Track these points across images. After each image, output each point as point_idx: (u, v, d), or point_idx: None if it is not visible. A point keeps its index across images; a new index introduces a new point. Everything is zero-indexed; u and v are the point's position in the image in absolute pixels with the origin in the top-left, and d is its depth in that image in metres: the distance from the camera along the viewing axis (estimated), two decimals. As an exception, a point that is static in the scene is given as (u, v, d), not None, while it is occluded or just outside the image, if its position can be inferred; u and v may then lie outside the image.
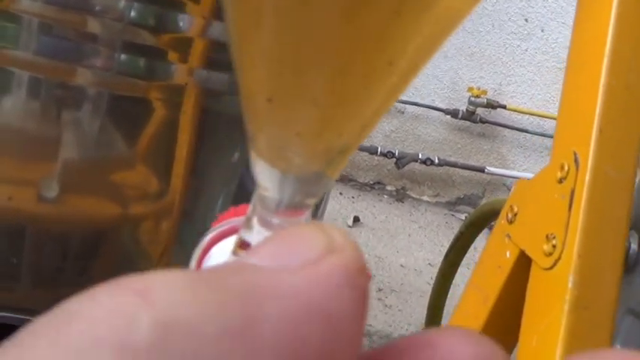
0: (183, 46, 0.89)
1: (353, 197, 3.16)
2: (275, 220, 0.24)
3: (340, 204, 3.02)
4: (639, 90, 0.54)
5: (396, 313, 2.22)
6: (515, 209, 0.59)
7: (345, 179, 3.27)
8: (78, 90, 0.86)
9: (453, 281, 1.55)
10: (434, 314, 1.59)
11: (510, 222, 0.59)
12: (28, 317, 0.89)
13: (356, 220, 2.89)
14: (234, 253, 0.26)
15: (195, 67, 0.91)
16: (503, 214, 0.61)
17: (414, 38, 0.19)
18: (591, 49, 0.55)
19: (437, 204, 3.40)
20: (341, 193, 3.14)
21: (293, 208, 0.24)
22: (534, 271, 0.54)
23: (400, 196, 3.35)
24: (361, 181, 3.34)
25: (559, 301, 0.50)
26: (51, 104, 0.85)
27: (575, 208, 0.51)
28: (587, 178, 0.52)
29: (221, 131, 0.98)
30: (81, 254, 0.92)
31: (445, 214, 3.30)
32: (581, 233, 0.50)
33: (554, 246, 0.52)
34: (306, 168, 0.23)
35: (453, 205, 3.43)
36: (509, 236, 0.59)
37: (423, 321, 1.62)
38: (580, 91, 0.55)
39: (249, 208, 0.26)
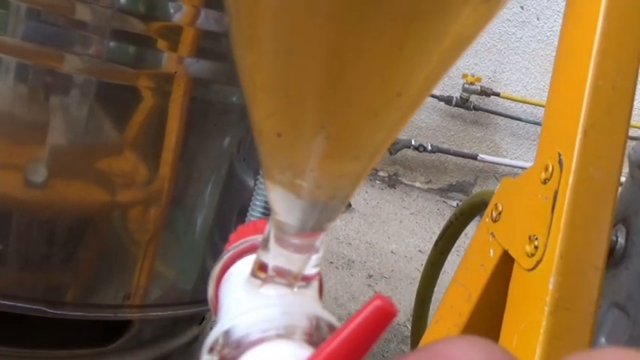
0: (173, 34, 0.89)
1: (345, 182, 3.16)
2: (293, 241, 0.24)
3: (332, 189, 3.01)
4: (626, 91, 0.54)
5: (386, 299, 2.22)
6: (500, 208, 0.59)
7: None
8: (66, 77, 0.85)
9: (442, 269, 1.56)
10: (422, 302, 1.60)
11: (495, 220, 0.60)
12: (14, 303, 0.89)
13: (348, 205, 2.89)
14: (253, 274, 0.26)
15: (185, 56, 0.90)
16: (488, 211, 0.61)
17: (420, 70, 0.19)
18: (579, 50, 0.55)
19: (429, 190, 3.40)
20: (333, 178, 3.13)
21: (309, 231, 0.24)
22: (516, 272, 0.54)
23: (392, 182, 3.36)
24: (354, 166, 3.33)
25: (540, 302, 0.50)
26: (39, 90, 0.85)
27: (558, 209, 0.51)
28: (571, 179, 0.52)
29: (210, 119, 0.98)
30: (68, 240, 0.91)
31: (437, 201, 3.30)
32: (563, 235, 0.50)
33: (536, 247, 0.52)
34: (320, 194, 0.23)
35: (444, 191, 3.44)
36: (493, 235, 0.59)
37: (412, 308, 1.62)
38: (566, 92, 0.55)
39: (266, 228, 0.25)
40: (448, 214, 2.88)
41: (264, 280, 0.26)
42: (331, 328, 0.24)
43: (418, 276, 1.61)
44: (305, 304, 0.25)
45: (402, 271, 2.44)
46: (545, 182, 0.53)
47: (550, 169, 0.53)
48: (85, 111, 0.87)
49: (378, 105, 0.19)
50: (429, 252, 1.55)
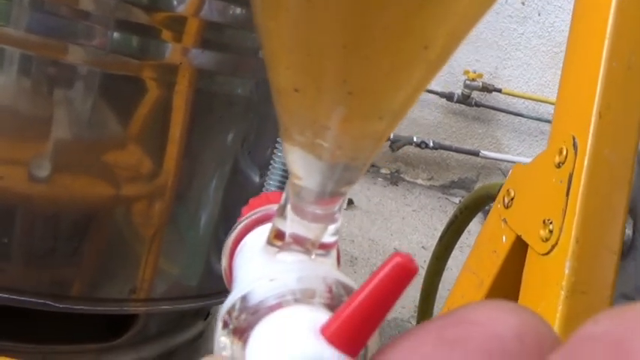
0: (178, 25, 0.88)
1: (347, 180, 3.15)
2: (310, 209, 0.24)
3: (334, 186, 3.01)
4: (640, 72, 0.53)
5: (389, 295, 2.22)
6: (512, 194, 0.59)
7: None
8: (70, 68, 0.84)
9: (447, 264, 1.55)
10: (426, 297, 1.59)
11: (507, 206, 0.59)
12: (19, 297, 0.89)
13: (350, 202, 2.88)
14: (270, 242, 0.26)
15: (190, 47, 0.89)
16: (499, 198, 0.61)
17: (448, 19, 0.18)
18: (592, 31, 0.54)
19: (431, 187, 3.40)
20: (335, 176, 3.13)
21: (328, 196, 0.23)
22: (530, 257, 0.53)
23: (394, 179, 3.35)
24: (355, 163, 3.32)
25: (555, 287, 0.49)
26: (42, 82, 0.84)
27: (573, 192, 0.50)
28: (586, 162, 0.51)
29: (215, 112, 0.97)
30: (73, 234, 0.91)
31: (439, 198, 3.29)
32: (578, 218, 0.50)
33: (550, 231, 0.51)
34: (341, 155, 0.22)
35: (447, 188, 3.43)
36: (505, 221, 0.58)
37: (417, 304, 1.62)
38: (580, 74, 0.54)
39: (283, 196, 0.25)
40: (450, 210, 2.87)
41: (281, 248, 0.25)
42: (350, 292, 0.24)
43: (422, 272, 1.60)
44: (323, 269, 0.24)
45: (405, 267, 2.43)
46: (559, 166, 0.53)
47: (564, 152, 0.52)
48: (89, 103, 0.86)
49: (403, 59, 0.19)
50: (431, 248, 1.54)
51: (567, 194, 0.51)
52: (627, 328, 0.15)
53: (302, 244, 0.25)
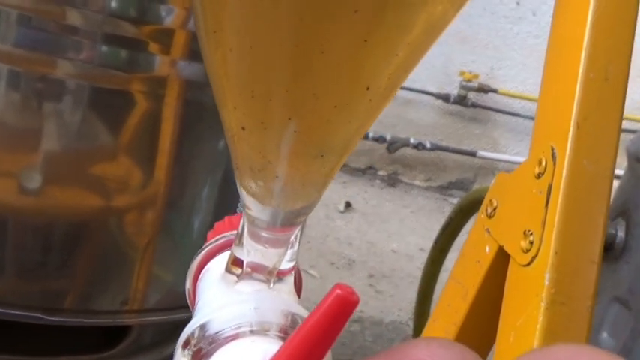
0: (165, 37, 0.88)
1: (344, 182, 3.16)
2: (266, 236, 0.24)
3: (331, 189, 3.01)
4: (618, 82, 0.54)
5: (388, 298, 2.22)
6: (495, 204, 0.59)
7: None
8: (58, 82, 0.85)
9: (443, 267, 1.56)
10: (423, 300, 1.59)
11: (490, 216, 0.59)
12: (11, 310, 0.89)
13: (348, 205, 2.89)
14: (228, 270, 0.26)
15: (178, 59, 0.90)
16: (483, 207, 0.61)
17: (388, 62, 0.19)
18: (569, 42, 0.54)
19: (429, 189, 3.40)
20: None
21: (280, 227, 0.24)
22: (512, 268, 0.54)
23: (392, 181, 3.35)
24: (353, 166, 3.33)
25: (536, 298, 0.49)
26: (31, 96, 0.85)
27: (552, 204, 0.51)
28: (565, 173, 0.51)
29: (205, 122, 0.98)
30: (64, 246, 0.91)
31: (437, 199, 3.30)
32: (557, 229, 0.50)
33: (531, 242, 0.51)
34: (289, 198, 0.22)
35: (444, 189, 3.44)
36: (488, 231, 0.59)
37: (414, 306, 1.62)
38: (558, 85, 0.55)
39: (240, 224, 0.25)
40: (448, 211, 2.88)
41: (240, 276, 0.26)
42: None
43: (419, 274, 1.60)
44: (280, 300, 0.25)
45: (403, 269, 2.44)
46: (538, 177, 0.53)
47: (543, 163, 0.53)
48: (79, 116, 0.87)
49: (346, 98, 0.19)
50: (430, 250, 1.54)
51: (546, 205, 0.51)
52: None
53: (260, 271, 0.25)
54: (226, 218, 0.31)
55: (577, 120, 0.52)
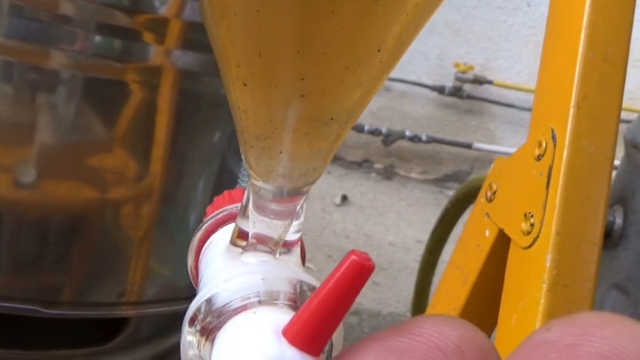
0: (159, 26, 0.88)
1: (341, 176, 3.16)
2: (272, 207, 0.24)
3: (328, 183, 3.01)
4: (618, 62, 0.53)
5: (385, 290, 2.22)
6: (495, 187, 0.58)
7: (333, 158, 3.26)
8: (52, 73, 0.84)
9: (441, 258, 1.55)
10: (421, 291, 1.59)
11: (489, 200, 0.59)
12: (8, 304, 0.89)
13: (344, 198, 2.88)
14: (233, 242, 0.26)
15: (172, 48, 0.89)
16: (482, 192, 0.61)
17: (398, 22, 0.18)
18: (568, 22, 0.54)
19: (425, 181, 3.40)
20: (329, 172, 3.13)
21: (287, 196, 0.24)
22: (513, 251, 0.53)
23: (388, 173, 3.35)
24: (349, 159, 3.33)
25: (537, 280, 0.49)
26: (24, 88, 0.84)
27: (553, 185, 0.50)
28: (565, 154, 0.51)
29: (201, 112, 0.97)
30: (60, 239, 0.90)
31: (433, 191, 3.30)
32: (559, 211, 0.50)
33: (532, 224, 0.51)
34: (296, 161, 0.22)
35: (441, 181, 3.43)
36: (488, 215, 0.58)
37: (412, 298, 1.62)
38: (557, 66, 0.54)
39: (244, 195, 0.25)
40: (445, 204, 2.88)
41: (245, 248, 0.25)
42: (314, 291, 0.24)
43: (417, 266, 1.60)
44: (287, 270, 0.25)
45: (400, 262, 2.43)
46: (538, 159, 0.53)
47: (544, 145, 0.52)
48: (73, 107, 0.86)
49: (358, 60, 0.19)
50: (427, 242, 1.54)
51: (547, 187, 0.51)
52: (579, 334, 0.16)
53: (266, 243, 0.25)
54: (225, 192, 0.31)
55: (577, 100, 0.51)
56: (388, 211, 2.91)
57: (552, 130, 0.52)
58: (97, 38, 0.85)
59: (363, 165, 3.35)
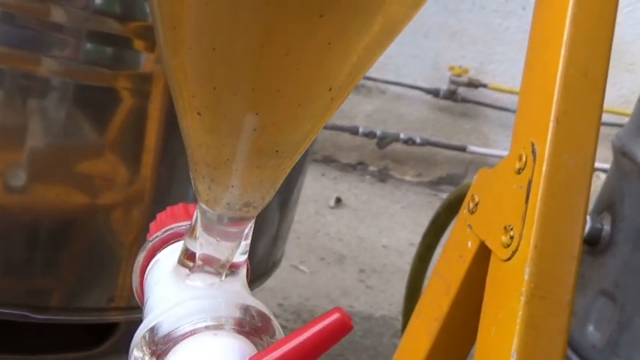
0: (150, 34, 0.88)
1: (335, 178, 3.16)
2: (220, 229, 0.24)
3: (322, 185, 3.01)
4: (597, 77, 0.54)
5: (378, 294, 2.22)
6: (477, 199, 0.59)
7: (327, 160, 3.27)
8: (43, 80, 0.84)
9: (431, 263, 1.56)
10: (412, 296, 1.60)
11: (472, 212, 0.59)
12: (-3, 309, 0.89)
13: (338, 201, 2.89)
14: (181, 262, 0.26)
15: (163, 55, 0.89)
16: (465, 203, 0.61)
17: (350, 63, 0.19)
18: (549, 38, 0.55)
19: (419, 184, 3.41)
20: (323, 174, 3.13)
21: (232, 221, 0.24)
22: (493, 262, 0.54)
23: (382, 176, 3.36)
24: (343, 161, 3.33)
25: (516, 292, 0.50)
26: (16, 94, 0.84)
27: (532, 199, 0.51)
28: (545, 168, 0.51)
29: (191, 119, 0.97)
30: (50, 244, 0.91)
31: (427, 194, 3.30)
32: (537, 224, 0.50)
33: (511, 237, 0.52)
34: (240, 192, 0.22)
35: (435, 184, 3.44)
36: (470, 226, 0.59)
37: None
38: (538, 81, 0.55)
39: (194, 216, 0.25)
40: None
41: (192, 269, 0.26)
42: (261, 316, 0.24)
43: (408, 270, 1.61)
44: (234, 294, 0.25)
45: (394, 265, 2.44)
46: (519, 172, 0.53)
47: (524, 158, 0.53)
48: (64, 114, 0.86)
49: (310, 97, 0.19)
50: (417, 248, 1.54)
51: (527, 201, 0.52)
52: None
53: (212, 264, 0.25)
54: (168, 208, 0.31)
55: (557, 115, 0.52)
56: (382, 213, 2.92)
57: (532, 144, 0.53)
58: (88, 45, 0.85)
59: (357, 167, 3.36)
